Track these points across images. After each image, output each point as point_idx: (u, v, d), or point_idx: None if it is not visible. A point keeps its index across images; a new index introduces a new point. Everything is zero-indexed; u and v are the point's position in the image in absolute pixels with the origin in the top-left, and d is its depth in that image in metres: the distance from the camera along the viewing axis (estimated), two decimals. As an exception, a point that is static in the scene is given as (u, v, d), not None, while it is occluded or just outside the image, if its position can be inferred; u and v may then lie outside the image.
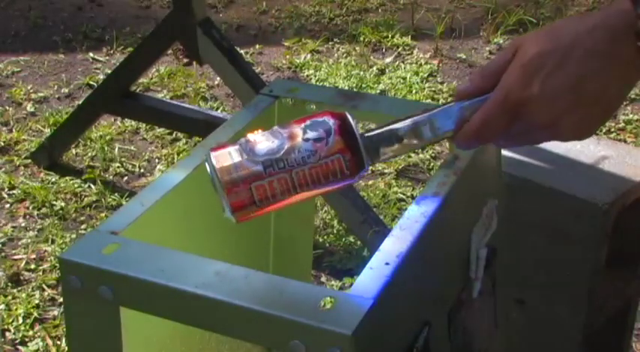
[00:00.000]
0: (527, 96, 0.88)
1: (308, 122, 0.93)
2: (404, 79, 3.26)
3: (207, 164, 0.94)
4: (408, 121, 0.98)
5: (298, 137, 0.92)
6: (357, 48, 3.52)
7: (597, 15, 0.88)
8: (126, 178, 2.72)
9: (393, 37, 3.58)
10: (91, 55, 3.46)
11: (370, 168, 0.98)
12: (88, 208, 2.56)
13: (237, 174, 0.91)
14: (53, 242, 2.41)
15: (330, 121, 0.93)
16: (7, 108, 3.07)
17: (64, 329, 2.05)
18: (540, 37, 0.89)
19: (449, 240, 1.25)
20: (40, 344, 2.10)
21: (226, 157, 0.92)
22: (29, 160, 2.77)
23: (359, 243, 2.40)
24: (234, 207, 0.92)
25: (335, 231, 2.45)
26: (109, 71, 3.05)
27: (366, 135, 0.97)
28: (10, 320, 2.16)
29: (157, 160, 2.80)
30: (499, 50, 3.53)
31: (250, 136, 0.94)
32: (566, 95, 0.87)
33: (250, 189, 0.91)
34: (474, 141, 0.95)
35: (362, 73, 3.30)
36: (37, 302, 2.21)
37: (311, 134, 0.92)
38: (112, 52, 3.48)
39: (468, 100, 0.97)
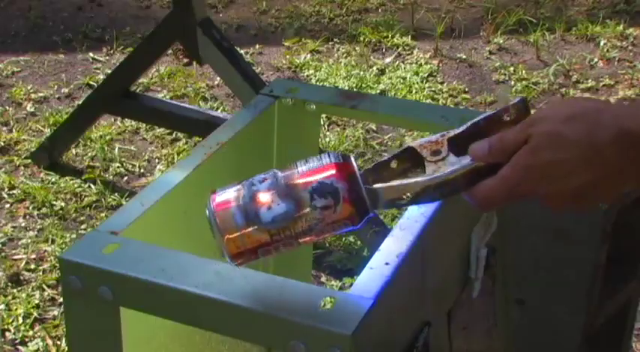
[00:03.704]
0: (532, 192, 0.93)
1: (315, 184, 0.90)
2: (404, 79, 3.26)
3: (209, 217, 0.93)
4: (420, 181, 0.95)
5: (306, 204, 0.90)
6: (357, 48, 3.52)
7: (613, 125, 0.88)
8: (126, 178, 2.72)
9: (393, 37, 3.58)
10: (91, 55, 3.45)
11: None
12: (88, 208, 2.56)
13: (244, 243, 0.92)
14: (53, 242, 2.41)
15: (339, 185, 0.90)
16: (7, 108, 3.07)
17: (64, 329, 2.05)
18: (556, 139, 0.90)
19: (449, 240, 1.25)
20: (40, 344, 2.10)
21: (231, 223, 0.91)
22: (29, 160, 2.77)
23: (359, 243, 2.40)
24: (239, 264, 0.94)
25: (335, 231, 2.45)
26: (109, 71, 3.05)
27: (375, 188, 0.94)
28: (10, 320, 2.15)
29: (157, 160, 2.80)
30: (499, 50, 3.53)
31: (255, 184, 0.91)
32: (569, 200, 0.93)
33: (257, 252, 0.93)
34: (476, 206, 0.99)
35: (362, 73, 3.30)
36: (37, 302, 2.20)
37: (319, 202, 0.90)
38: (112, 52, 3.48)
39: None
